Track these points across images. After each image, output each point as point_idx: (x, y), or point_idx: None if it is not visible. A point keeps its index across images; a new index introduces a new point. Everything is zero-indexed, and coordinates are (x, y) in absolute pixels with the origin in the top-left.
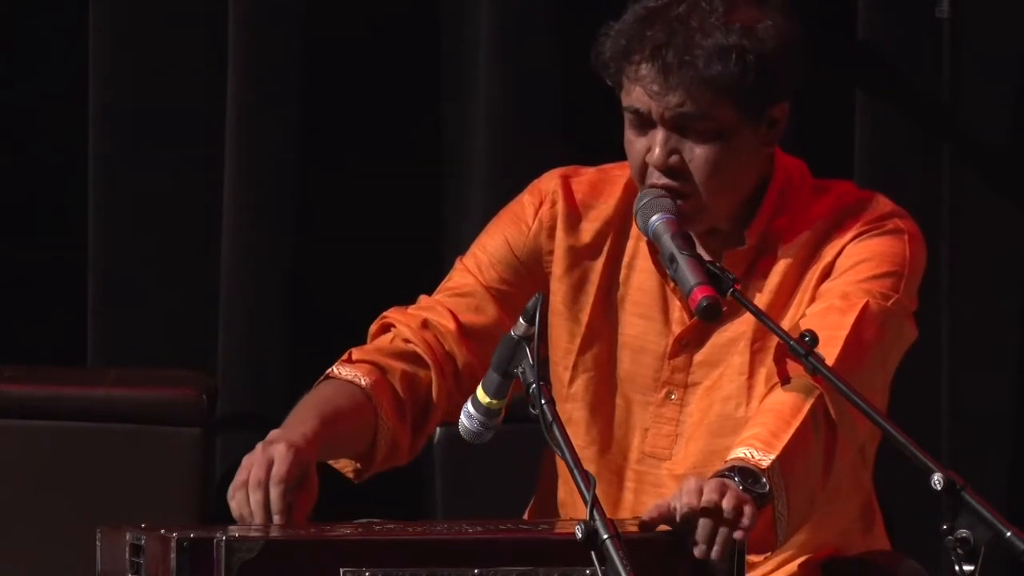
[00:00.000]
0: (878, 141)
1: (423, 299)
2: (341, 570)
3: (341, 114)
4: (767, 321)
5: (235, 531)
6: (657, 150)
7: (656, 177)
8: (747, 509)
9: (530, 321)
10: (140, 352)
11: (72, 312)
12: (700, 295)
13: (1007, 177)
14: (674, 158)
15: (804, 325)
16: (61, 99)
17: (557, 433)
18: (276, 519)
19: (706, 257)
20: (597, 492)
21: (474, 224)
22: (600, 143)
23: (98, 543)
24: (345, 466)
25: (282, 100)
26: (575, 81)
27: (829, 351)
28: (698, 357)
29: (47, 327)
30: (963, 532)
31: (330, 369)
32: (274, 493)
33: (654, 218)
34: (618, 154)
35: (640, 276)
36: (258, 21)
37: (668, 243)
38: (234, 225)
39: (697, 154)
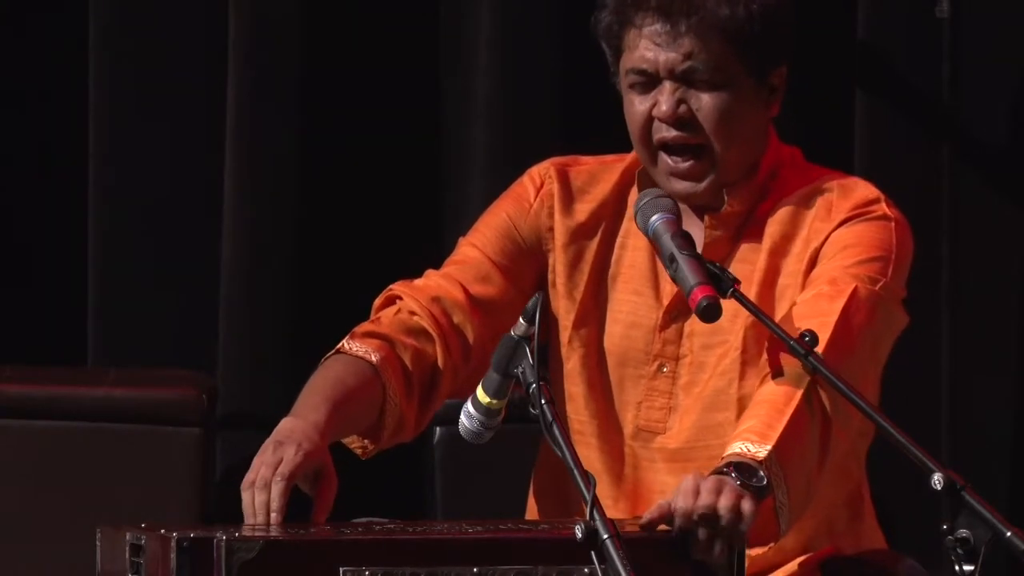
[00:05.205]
0: (878, 141)
1: (430, 272)
2: (341, 570)
3: (342, 115)
4: (767, 321)
5: (235, 531)
6: (664, 102)
7: (664, 131)
8: (745, 507)
9: (530, 321)
10: (140, 352)
11: (72, 312)
12: (700, 295)
13: (1007, 177)
14: (683, 108)
15: (794, 313)
16: (60, 99)
17: (557, 433)
18: (273, 516)
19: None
20: (600, 471)
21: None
22: (600, 142)
23: (98, 543)
24: (353, 442)
25: (282, 100)
26: (574, 78)
27: (819, 337)
28: (688, 328)
29: (47, 327)
30: (963, 532)
31: (341, 343)
32: (273, 491)
33: (654, 218)
34: (616, 150)
35: (632, 254)
36: (258, 18)
37: (668, 243)
38: (234, 225)
39: (705, 102)
